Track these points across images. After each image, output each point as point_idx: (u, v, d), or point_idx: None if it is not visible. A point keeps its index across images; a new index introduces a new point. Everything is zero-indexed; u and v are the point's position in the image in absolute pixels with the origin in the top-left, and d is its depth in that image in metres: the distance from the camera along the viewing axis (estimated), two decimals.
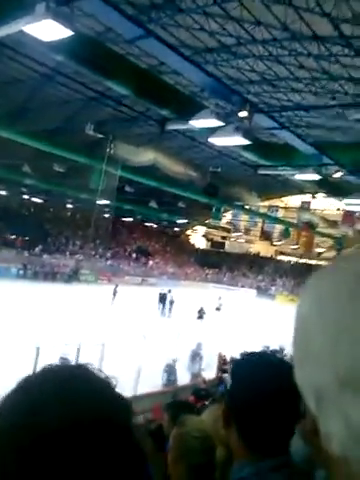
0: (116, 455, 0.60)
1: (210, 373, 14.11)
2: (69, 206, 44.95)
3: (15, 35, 7.64)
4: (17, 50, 12.08)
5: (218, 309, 30.02)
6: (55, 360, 9.62)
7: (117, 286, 30.65)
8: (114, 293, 29.55)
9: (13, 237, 39.42)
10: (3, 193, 40.20)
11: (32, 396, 0.60)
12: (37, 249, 39.84)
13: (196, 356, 14.91)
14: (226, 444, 1.20)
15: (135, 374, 11.06)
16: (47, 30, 6.74)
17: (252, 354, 1.26)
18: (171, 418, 2.89)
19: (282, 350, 17.47)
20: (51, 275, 36.82)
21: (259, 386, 1.06)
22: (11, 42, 11.52)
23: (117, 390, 0.68)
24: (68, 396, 0.60)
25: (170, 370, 13.07)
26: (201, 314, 26.85)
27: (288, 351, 17.20)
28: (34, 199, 40.96)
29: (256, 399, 1.05)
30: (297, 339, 0.55)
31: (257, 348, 16.71)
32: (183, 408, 3.06)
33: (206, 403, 7.39)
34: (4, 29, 7.53)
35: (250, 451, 1.06)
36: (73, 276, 38.41)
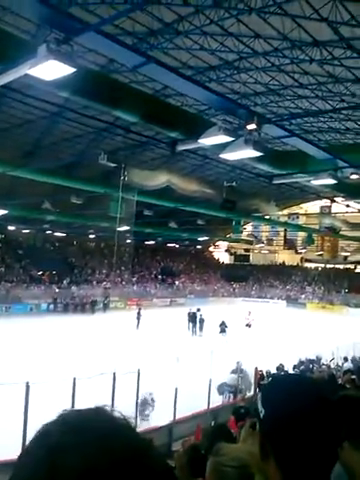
0: None
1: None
2: (91, 236, 45.48)
3: (21, 78, 7.88)
4: (24, 92, 12.43)
5: (248, 325, 29.16)
6: (92, 389, 9.62)
7: (140, 309, 30.74)
8: (138, 317, 29.51)
9: (40, 273, 40.04)
10: (26, 231, 41.06)
11: (50, 444, 0.60)
12: (65, 282, 40.36)
13: (238, 373, 14.59)
14: (264, 472, 1.15)
15: (172, 398, 10.95)
16: (50, 70, 6.95)
17: (282, 378, 1.20)
18: (208, 445, 2.83)
19: (319, 359, 17.08)
20: (81, 306, 37.14)
21: (297, 413, 1.01)
22: (18, 85, 11.88)
23: (136, 430, 0.67)
24: (85, 442, 0.59)
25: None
26: (223, 328, 26.28)
27: (325, 360, 16.84)
28: (57, 233, 41.62)
29: (295, 427, 1.00)
30: None
31: (293, 360, 16.44)
32: (220, 434, 2.98)
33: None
34: (10, 74, 7.78)
35: None
36: (102, 305, 38.69)
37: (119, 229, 24.57)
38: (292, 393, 1.06)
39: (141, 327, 28.54)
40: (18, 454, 0.63)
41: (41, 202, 26.04)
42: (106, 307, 38.50)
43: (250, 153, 10.87)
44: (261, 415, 1.06)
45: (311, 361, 16.92)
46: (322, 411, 1.02)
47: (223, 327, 26.30)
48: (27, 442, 0.66)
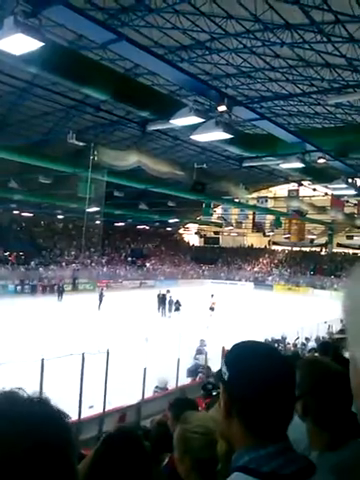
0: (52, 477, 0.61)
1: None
2: (60, 217, 44.75)
3: None
4: None
5: (212, 309, 28.98)
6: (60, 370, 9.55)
7: (102, 290, 31.08)
8: (100, 298, 29.60)
9: (6, 254, 39.26)
10: None
11: None
12: (32, 263, 39.73)
13: (200, 353, 14.90)
14: (226, 437, 1.21)
15: (141, 378, 11.05)
16: (17, 44, 6.71)
17: (244, 343, 1.28)
18: (174, 416, 2.92)
19: (284, 339, 17.56)
20: (49, 288, 36.75)
21: (260, 373, 1.08)
22: None
23: (54, 408, 0.68)
24: None
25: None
26: (177, 306, 27.72)
27: (290, 340, 17.34)
28: (24, 214, 40.74)
29: (258, 386, 1.06)
30: (353, 319, 0.68)
31: (260, 340, 16.84)
32: (185, 405, 3.07)
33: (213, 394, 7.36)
34: None
35: (252, 439, 1.07)
36: (71, 286, 38.41)
37: (88, 210, 24.25)
38: (253, 354, 1.13)
39: (111, 309, 28.47)
40: None
41: (7, 181, 25.39)
42: (74, 289, 38.16)
43: (220, 135, 10.86)
44: (225, 377, 1.12)
45: (276, 341, 17.38)
46: (282, 370, 1.11)
47: (177, 306, 27.72)
48: None
